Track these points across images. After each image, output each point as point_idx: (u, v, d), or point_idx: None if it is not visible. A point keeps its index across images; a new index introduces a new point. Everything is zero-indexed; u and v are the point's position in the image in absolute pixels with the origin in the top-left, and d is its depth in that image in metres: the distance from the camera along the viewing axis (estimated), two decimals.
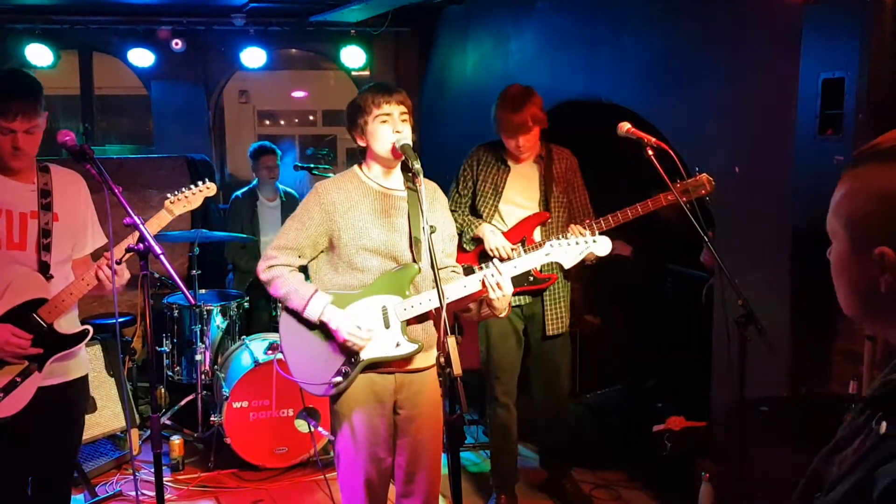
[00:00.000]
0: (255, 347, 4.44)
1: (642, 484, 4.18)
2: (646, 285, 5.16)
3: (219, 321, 4.89)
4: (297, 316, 2.76)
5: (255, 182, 5.76)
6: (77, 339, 2.76)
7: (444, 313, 2.38)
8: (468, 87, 5.85)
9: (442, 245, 2.88)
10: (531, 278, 3.69)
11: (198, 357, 4.69)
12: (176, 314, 4.91)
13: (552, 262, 2.84)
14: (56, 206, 2.71)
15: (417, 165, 2.56)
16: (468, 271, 3.13)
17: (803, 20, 2.88)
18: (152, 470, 2.65)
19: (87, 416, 3.42)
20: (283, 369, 2.93)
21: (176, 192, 2.84)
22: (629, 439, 4.31)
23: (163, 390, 4.96)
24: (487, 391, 3.93)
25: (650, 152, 3.04)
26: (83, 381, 2.89)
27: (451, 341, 2.32)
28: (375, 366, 2.74)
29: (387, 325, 2.73)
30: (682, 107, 3.69)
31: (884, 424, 1.03)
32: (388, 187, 2.81)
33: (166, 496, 3.56)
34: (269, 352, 4.33)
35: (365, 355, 2.72)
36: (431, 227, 2.61)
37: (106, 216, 2.53)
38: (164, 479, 3.37)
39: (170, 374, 4.97)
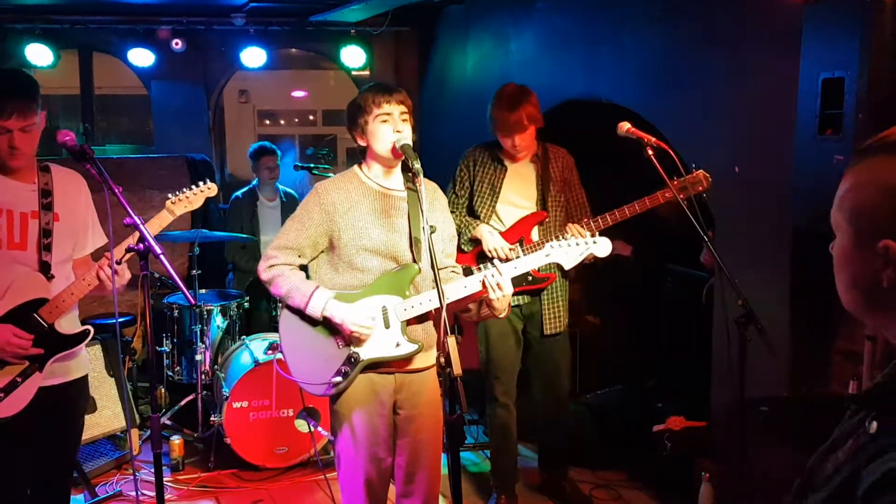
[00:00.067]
0: (255, 347, 4.44)
1: (642, 484, 4.18)
2: (646, 285, 5.16)
3: (219, 321, 4.89)
4: (298, 315, 2.76)
5: (255, 182, 5.76)
6: (78, 339, 2.75)
7: (444, 313, 2.38)
8: (468, 87, 5.85)
9: (442, 245, 2.88)
10: (530, 278, 3.68)
11: (198, 357, 4.69)
12: (176, 314, 4.91)
13: (551, 263, 2.84)
14: (57, 205, 2.70)
15: (417, 165, 2.56)
16: (467, 272, 3.13)
17: (803, 20, 2.87)
18: (152, 470, 2.65)
19: (87, 416, 3.42)
20: (282, 369, 2.93)
21: (177, 193, 2.84)
22: (629, 439, 4.31)
23: (163, 390, 4.95)
24: (487, 391, 3.93)
25: (650, 152, 3.03)
26: (83, 381, 2.89)
27: (451, 341, 2.32)
28: (375, 366, 2.75)
29: (387, 325, 2.73)
30: (682, 107, 3.69)
31: (874, 424, 1.04)
32: (388, 187, 2.81)
33: (166, 496, 3.56)
34: (269, 352, 4.33)
35: (365, 355, 2.72)
36: (431, 227, 2.61)
37: (106, 216, 2.53)
38: (164, 479, 3.36)
39: (170, 374, 4.97)
